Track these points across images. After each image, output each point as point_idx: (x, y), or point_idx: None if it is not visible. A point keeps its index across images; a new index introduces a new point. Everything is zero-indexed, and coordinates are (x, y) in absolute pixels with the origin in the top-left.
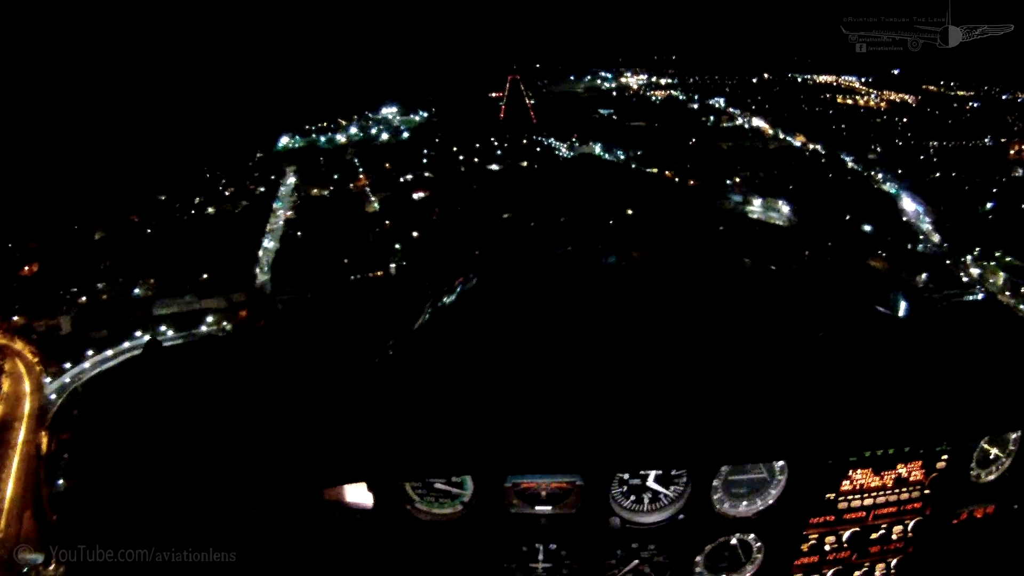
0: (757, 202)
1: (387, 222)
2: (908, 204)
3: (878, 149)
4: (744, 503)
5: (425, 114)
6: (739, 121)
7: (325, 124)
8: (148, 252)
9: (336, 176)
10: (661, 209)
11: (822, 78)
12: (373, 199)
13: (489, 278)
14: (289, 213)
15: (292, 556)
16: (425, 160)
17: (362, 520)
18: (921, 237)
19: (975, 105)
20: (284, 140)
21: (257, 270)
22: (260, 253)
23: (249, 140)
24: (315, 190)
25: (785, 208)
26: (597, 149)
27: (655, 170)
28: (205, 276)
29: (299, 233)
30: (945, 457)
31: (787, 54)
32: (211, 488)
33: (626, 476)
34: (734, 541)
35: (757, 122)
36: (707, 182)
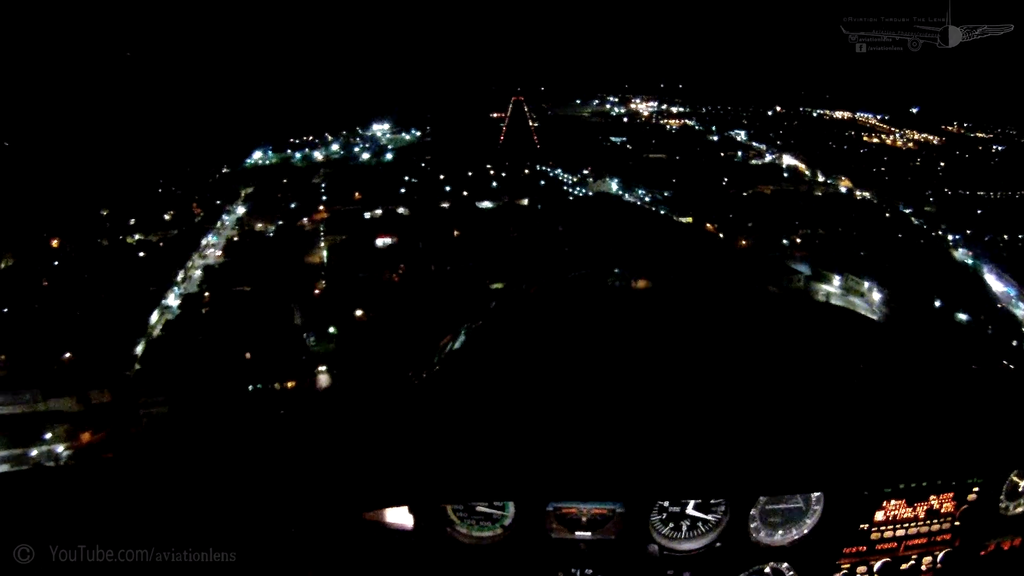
0: (836, 281)
1: (329, 282)
2: (995, 282)
3: (932, 199)
4: (780, 532)
5: (418, 133)
6: (768, 158)
7: (307, 138)
8: (31, 302)
9: (294, 205)
10: (716, 292)
11: (838, 114)
12: (323, 244)
13: (532, 302)
14: (217, 255)
15: None
16: (404, 189)
17: (402, 542)
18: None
19: (999, 148)
20: (257, 154)
21: (140, 348)
22: (153, 318)
23: (224, 149)
24: (260, 224)
25: (875, 294)
26: (614, 186)
27: (689, 219)
28: (68, 355)
29: (207, 294)
30: (976, 489)
31: (798, 83)
32: (253, 509)
33: (666, 504)
34: (768, 570)
35: (790, 160)
36: (760, 242)
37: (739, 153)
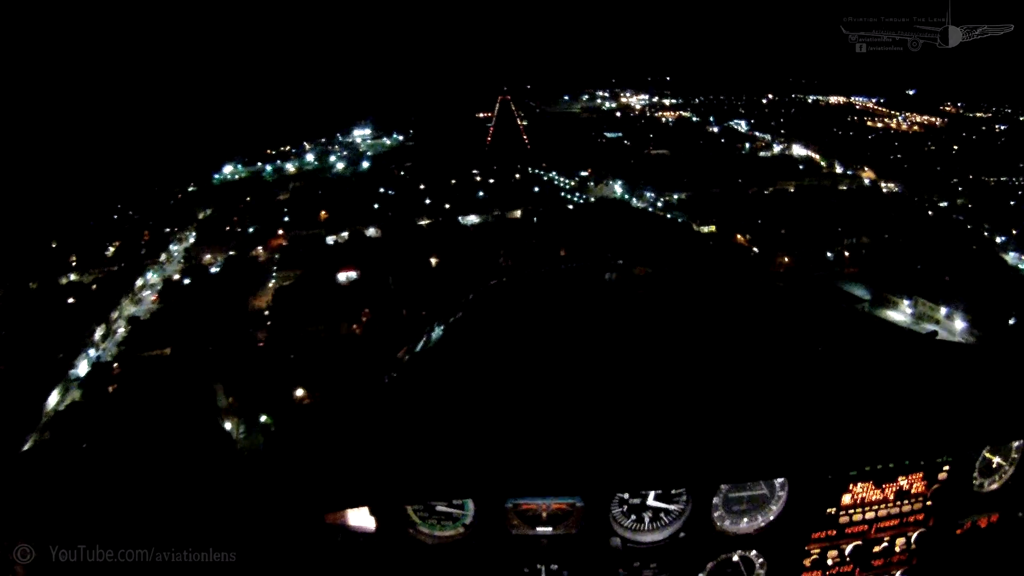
0: (907, 307)
1: (272, 339)
2: None
3: (960, 188)
4: (745, 520)
5: (400, 137)
6: (777, 148)
7: (283, 148)
8: None
9: (252, 229)
10: (768, 337)
11: (833, 99)
12: (272, 282)
13: (487, 299)
14: (152, 300)
15: None
16: (378, 204)
17: (365, 543)
18: None
19: (1002, 128)
20: (228, 169)
21: (26, 448)
22: (52, 400)
23: (195, 163)
24: (209, 255)
25: (959, 323)
26: (618, 189)
27: (712, 228)
28: None
29: (116, 365)
30: (947, 468)
31: (787, 70)
32: (215, 513)
33: (626, 496)
34: (736, 558)
35: (801, 150)
36: (802, 257)
37: (746, 145)
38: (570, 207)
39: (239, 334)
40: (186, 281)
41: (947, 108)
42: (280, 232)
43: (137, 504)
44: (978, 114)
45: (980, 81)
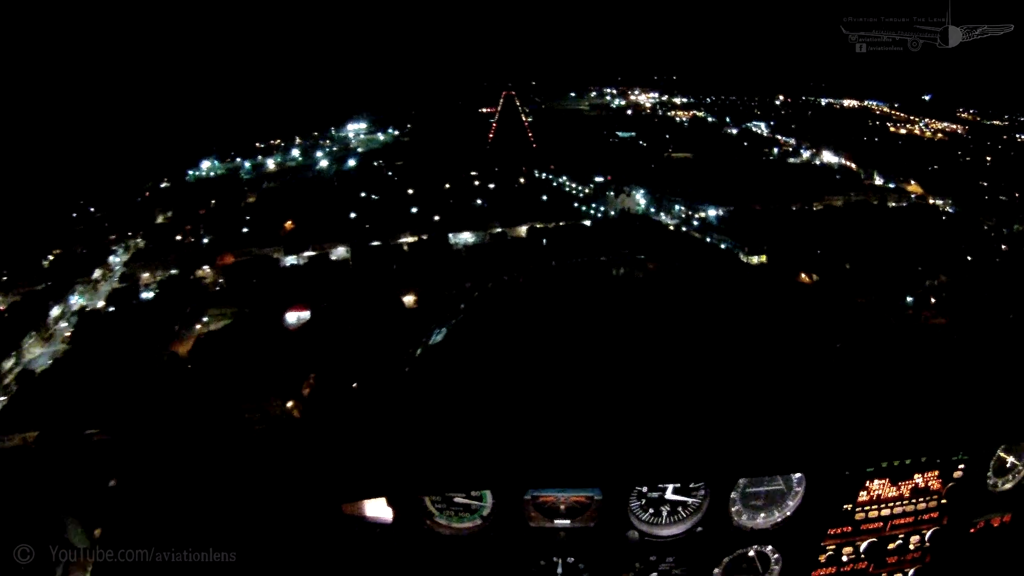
0: None
1: (179, 417)
2: None
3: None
4: (762, 515)
5: (395, 132)
6: (805, 155)
7: (270, 143)
8: None
9: (207, 240)
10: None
11: (847, 102)
12: (202, 323)
13: (507, 292)
14: (65, 336)
15: (313, 570)
16: (356, 213)
17: (382, 534)
18: None
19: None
20: (205, 164)
21: None
22: None
23: (176, 158)
24: (147, 273)
25: None
26: (640, 200)
27: (763, 258)
28: None
29: None
30: (962, 466)
31: (797, 70)
32: (233, 502)
33: (644, 489)
34: (752, 553)
35: (832, 158)
36: (880, 304)
37: (773, 150)
38: (587, 223)
39: (139, 407)
40: (111, 309)
41: (963, 114)
42: (227, 254)
43: (138, 504)
44: (995, 122)
45: (989, 85)
